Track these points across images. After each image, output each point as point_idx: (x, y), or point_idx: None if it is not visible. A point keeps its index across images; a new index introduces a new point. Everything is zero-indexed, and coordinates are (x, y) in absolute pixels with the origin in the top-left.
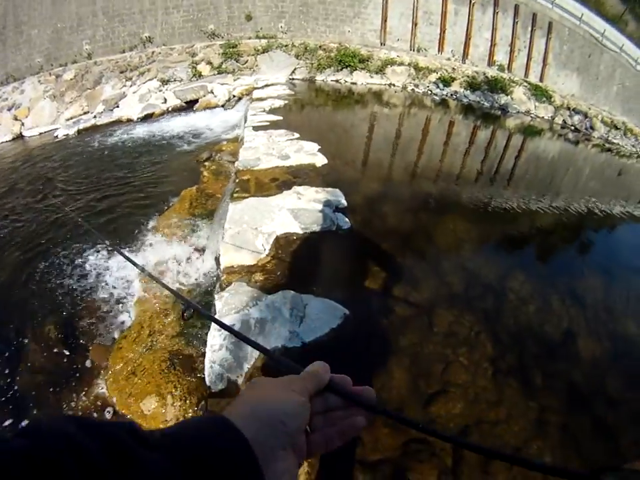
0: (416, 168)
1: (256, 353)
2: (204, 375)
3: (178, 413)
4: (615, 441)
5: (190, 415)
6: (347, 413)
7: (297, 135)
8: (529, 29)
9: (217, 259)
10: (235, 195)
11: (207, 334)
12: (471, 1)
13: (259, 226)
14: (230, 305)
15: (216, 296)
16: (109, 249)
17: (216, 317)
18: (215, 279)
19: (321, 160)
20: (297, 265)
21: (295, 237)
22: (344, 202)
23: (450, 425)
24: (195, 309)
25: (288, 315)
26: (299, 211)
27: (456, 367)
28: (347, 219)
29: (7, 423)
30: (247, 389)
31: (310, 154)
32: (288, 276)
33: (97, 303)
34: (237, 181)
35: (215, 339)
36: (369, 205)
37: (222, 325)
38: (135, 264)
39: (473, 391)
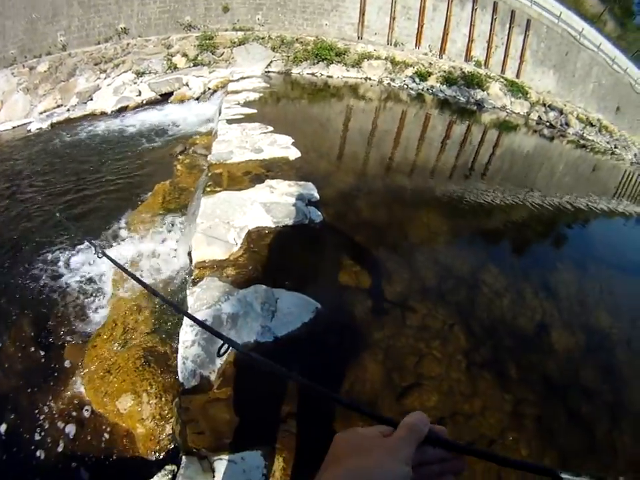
0: (390, 162)
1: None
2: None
3: (154, 411)
4: (590, 432)
5: (165, 412)
6: (442, 467)
7: (270, 128)
8: (507, 25)
9: (189, 254)
10: (208, 189)
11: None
12: None
13: (231, 220)
14: (202, 300)
15: (188, 291)
16: (99, 256)
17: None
18: (187, 274)
19: (294, 153)
20: (268, 259)
21: (267, 231)
22: (317, 195)
23: None
24: (231, 345)
25: (260, 310)
26: (271, 205)
27: (429, 359)
28: (319, 213)
29: None
30: (345, 447)
31: (283, 147)
32: (260, 270)
33: (70, 301)
34: (210, 174)
35: (187, 335)
36: (342, 199)
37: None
38: (135, 278)
39: (447, 384)
